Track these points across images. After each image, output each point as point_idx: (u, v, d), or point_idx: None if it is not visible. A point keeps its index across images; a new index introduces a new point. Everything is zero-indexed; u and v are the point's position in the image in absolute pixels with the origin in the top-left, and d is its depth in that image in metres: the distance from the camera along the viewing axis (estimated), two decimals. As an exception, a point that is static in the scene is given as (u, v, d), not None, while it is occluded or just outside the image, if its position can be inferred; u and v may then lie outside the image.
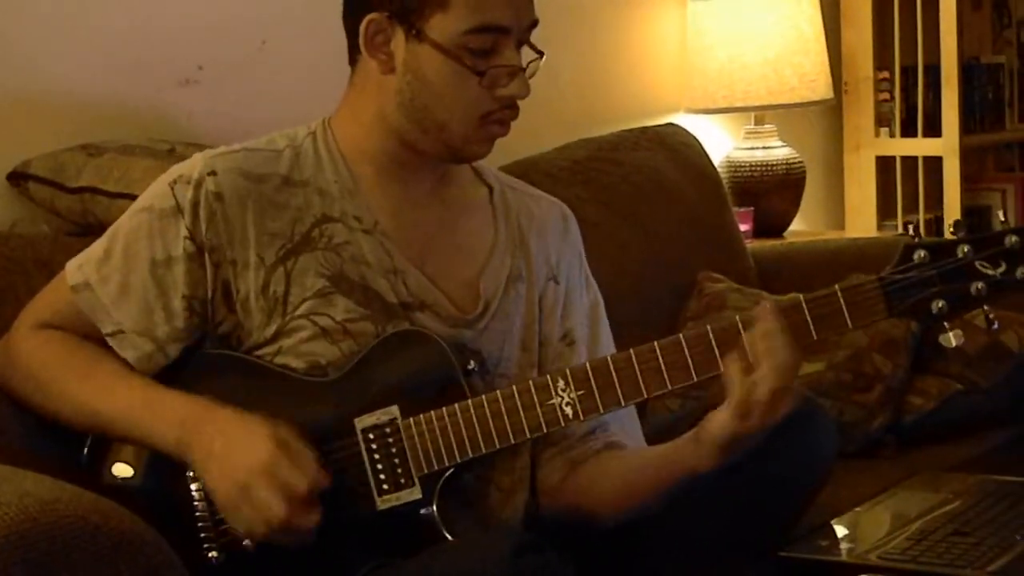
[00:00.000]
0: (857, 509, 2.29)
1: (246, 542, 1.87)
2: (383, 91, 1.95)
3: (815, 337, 1.81)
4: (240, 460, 1.81)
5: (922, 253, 1.79)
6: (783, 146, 3.88)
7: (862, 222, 4.37)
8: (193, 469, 1.87)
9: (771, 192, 3.82)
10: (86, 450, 1.95)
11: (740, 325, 1.81)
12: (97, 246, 1.99)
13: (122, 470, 1.94)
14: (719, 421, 1.81)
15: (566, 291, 2.10)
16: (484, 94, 1.91)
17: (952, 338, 1.79)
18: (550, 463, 2.04)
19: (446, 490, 1.88)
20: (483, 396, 1.87)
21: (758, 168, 3.82)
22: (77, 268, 1.98)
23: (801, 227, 4.04)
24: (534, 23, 1.96)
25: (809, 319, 1.80)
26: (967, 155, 4.35)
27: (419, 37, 1.90)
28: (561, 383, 1.86)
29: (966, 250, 1.78)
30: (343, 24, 1.98)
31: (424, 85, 1.92)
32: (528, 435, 1.87)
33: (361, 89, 1.99)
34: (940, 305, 1.79)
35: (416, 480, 1.87)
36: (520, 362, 2.03)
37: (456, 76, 1.90)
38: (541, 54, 1.96)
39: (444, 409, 1.87)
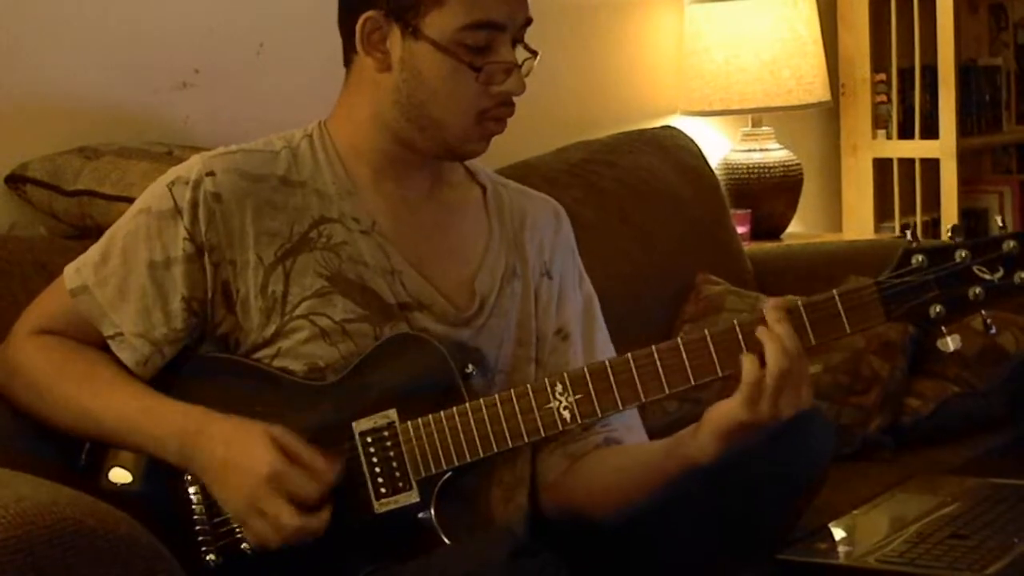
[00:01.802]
0: (855, 512, 2.29)
1: (244, 545, 1.88)
2: (379, 90, 1.95)
3: (813, 342, 1.81)
4: (245, 472, 1.82)
5: (920, 258, 1.79)
6: (780, 148, 3.89)
7: (859, 224, 4.37)
8: (202, 481, 1.88)
9: (768, 194, 3.82)
10: (84, 454, 1.95)
11: (738, 329, 1.82)
12: (94, 249, 1.99)
13: (119, 475, 1.94)
14: (725, 408, 1.84)
15: (560, 286, 2.10)
16: (480, 91, 1.92)
17: (950, 342, 1.79)
18: (550, 458, 2.05)
19: (444, 494, 1.88)
20: (481, 400, 1.87)
21: (755, 170, 3.82)
22: (75, 272, 1.98)
23: (798, 229, 4.04)
24: (528, 21, 1.96)
25: (807, 324, 1.81)
26: (964, 157, 4.36)
27: (415, 34, 1.91)
28: (559, 387, 1.86)
29: (964, 255, 1.78)
30: (339, 24, 1.99)
31: (421, 82, 1.92)
32: (526, 439, 1.87)
33: (357, 89, 1.99)
34: (938, 310, 1.79)
35: (414, 484, 1.87)
36: (517, 357, 2.03)
37: (452, 72, 1.91)
38: (535, 53, 1.96)
39: (442, 413, 1.87)
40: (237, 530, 1.89)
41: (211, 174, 1.94)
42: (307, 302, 1.93)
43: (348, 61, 1.99)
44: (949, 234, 1.81)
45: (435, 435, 1.87)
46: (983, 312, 1.80)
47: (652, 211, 3.09)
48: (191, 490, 1.90)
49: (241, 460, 1.83)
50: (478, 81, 1.91)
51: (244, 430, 1.85)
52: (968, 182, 4.56)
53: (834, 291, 1.81)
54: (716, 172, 3.47)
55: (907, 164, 4.40)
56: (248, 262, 1.93)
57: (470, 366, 1.92)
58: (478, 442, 1.87)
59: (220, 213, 1.93)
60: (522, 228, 2.10)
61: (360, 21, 1.93)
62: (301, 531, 1.81)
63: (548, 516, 2.04)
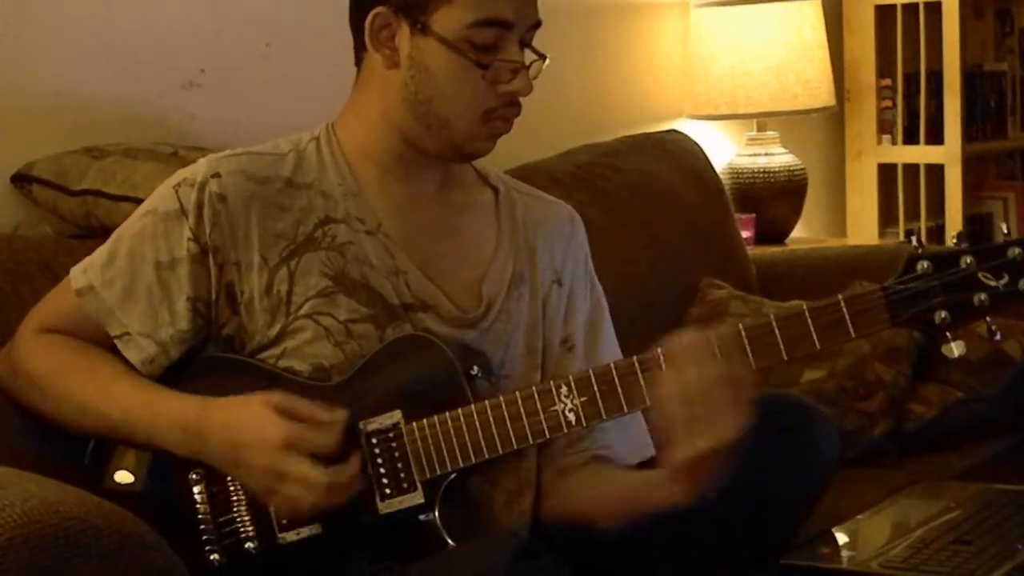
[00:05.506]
0: (858, 517, 2.30)
1: (248, 545, 1.88)
2: (388, 87, 1.96)
3: (818, 347, 1.80)
4: (257, 448, 1.82)
5: (925, 264, 1.79)
6: (785, 153, 3.89)
7: (864, 230, 4.37)
8: (215, 470, 1.88)
9: (773, 199, 3.83)
10: (88, 454, 1.95)
11: (743, 332, 1.81)
12: (101, 250, 1.99)
13: (124, 477, 1.94)
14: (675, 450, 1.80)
15: (569, 295, 2.10)
16: (487, 89, 1.92)
17: (955, 348, 1.79)
18: (543, 474, 2.05)
19: (448, 495, 1.88)
20: (486, 401, 1.87)
21: (760, 175, 3.82)
22: (82, 272, 1.99)
23: (803, 234, 4.04)
24: (537, 24, 1.96)
25: (812, 329, 1.80)
26: (969, 163, 4.36)
27: (424, 31, 1.91)
28: (564, 389, 1.86)
29: (969, 261, 1.79)
30: (349, 22, 1.99)
31: (428, 79, 1.92)
32: (531, 441, 1.87)
33: (367, 87, 1.99)
34: (943, 316, 1.79)
35: (419, 484, 1.87)
36: (525, 364, 2.03)
37: (460, 70, 1.91)
38: (544, 56, 1.96)
39: (447, 414, 1.87)
40: (241, 530, 1.89)
41: (216, 176, 1.94)
42: (311, 301, 1.93)
43: (359, 60, 2.00)
44: (954, 240, 1.81)
45: (440, 436, 1.87)
46: (988, 318, 1.80)
47: (657, 215, 3.09)
48: (195, 489, 1.90)
49: (250, 437, 1.83)
50: (485, 79, 1.91)
51: (241, 408, 1.86)
52: (973, 188, 4.56)
53: (839, 296, 1.81)
54: (721, 176, 3.47)
55: (912, 169, 4.40)
56: (253, 263, 1.94)
57: (475, 368, 1.92)
58: (483, 444, 1.87)
59: (225, 214, 1.93)
60: (535, 234, 2.10)
61: (369, 17, 1.94)
62: (333, 487, 1.82)
63: (544, 523, 2.04)
